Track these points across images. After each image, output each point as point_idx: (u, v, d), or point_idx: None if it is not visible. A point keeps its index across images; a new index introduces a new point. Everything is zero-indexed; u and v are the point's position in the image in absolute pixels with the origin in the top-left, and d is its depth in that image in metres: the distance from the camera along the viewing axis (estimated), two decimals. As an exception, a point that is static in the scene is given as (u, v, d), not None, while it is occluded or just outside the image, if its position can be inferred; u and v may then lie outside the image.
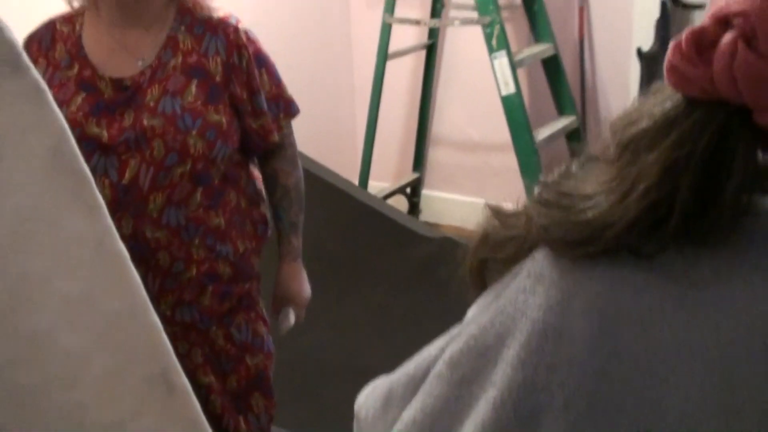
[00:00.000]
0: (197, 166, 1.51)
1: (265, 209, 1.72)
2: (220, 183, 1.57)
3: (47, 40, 1.60)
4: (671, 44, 0.39)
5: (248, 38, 1.59)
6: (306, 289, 1.73)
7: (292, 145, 1.68)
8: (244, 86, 1.56)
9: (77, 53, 1.56)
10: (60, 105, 1.50)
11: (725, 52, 0.37)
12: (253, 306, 1.68)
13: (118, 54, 1.55)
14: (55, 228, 0.71)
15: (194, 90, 1.52)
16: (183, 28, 1.56)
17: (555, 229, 0.44)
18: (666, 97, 0.41)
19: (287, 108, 1.64)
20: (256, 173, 1.69)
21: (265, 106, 1.58)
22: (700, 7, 2.93)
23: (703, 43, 0.38)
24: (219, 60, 1.54)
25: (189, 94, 1.51)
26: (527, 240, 0.47)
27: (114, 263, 0.80)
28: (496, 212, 0.50)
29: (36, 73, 0.69)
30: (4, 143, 0.67)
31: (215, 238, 1.57)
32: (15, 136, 0.67)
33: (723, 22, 0.38)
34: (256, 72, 1.58)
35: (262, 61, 1.60)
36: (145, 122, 1.49)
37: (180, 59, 1.54)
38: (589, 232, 0.42)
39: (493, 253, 0.50)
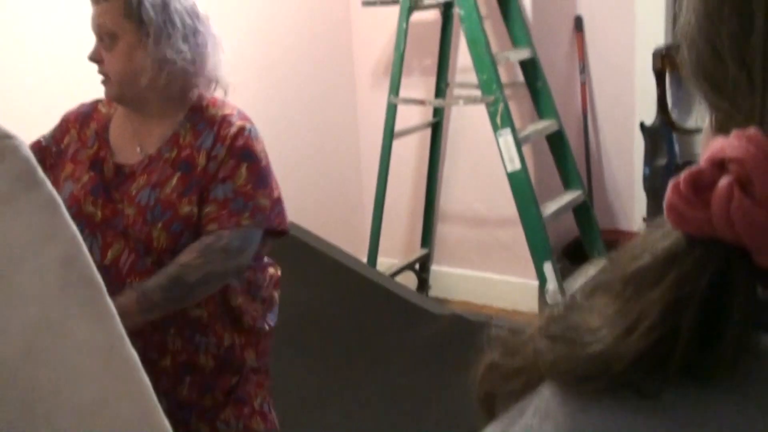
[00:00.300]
0: (164, 258, 1.51)
1: (268, 303, 1.67)
2: None
3: (86, 116, 1.67)
4: (670, 183, 0.41)
5: (241, 133, 1.57)
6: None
7: (221, 239, 1.51)
8: (212, 176, 1.54)
9: (102, 134, 1.63)
10: (72, 181, 1.56)
11: (722, 196, 0.38)
12: (246, 401, 1.63)
13: (130, 141, 1.60)
14: (66, 338, 0.71)
15: (174, 182, 1.54)
16: (189, 124, 1.60)
17: (561, 364, 0.44)
18: (667, 233, 0.42)
19: (254, 213, 1.54)
20: (260, 268, 1.66)
21: (221, 195, 1.53)
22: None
23: (701, 185, 0.40)
24: (204, 152, 1.56)
25: (168, 187, 1.53)
26: (534, 373, 0.47)
27: (125, 369, 0.80)
28: (503, 341, 0.50)
29: (50, 186, 0.72)
30: (19, 256, 0.69)
31: (195, 329, 1.55)
32: (29, 249, 0.70)
33: (719, 165, 0.39)
34: (231, 163, 1.55)
35: (247, 157, 1.56)
36: (125, 210, 1.52)
37: (174, 153, 1.57)
38: (594, 367, 0.42)
39: (500, 385, 0.50)
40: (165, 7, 1.55)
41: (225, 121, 1.59)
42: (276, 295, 1.71)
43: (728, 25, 0.41)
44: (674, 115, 2.64)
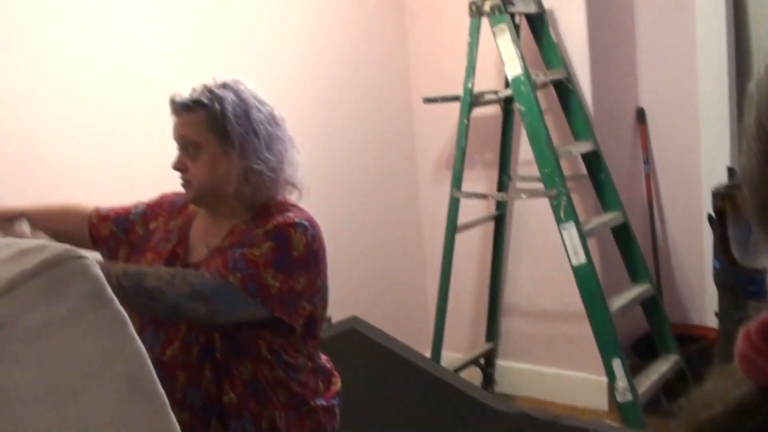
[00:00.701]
0: (201, 338, 1.55)
1: (312, 378, 1.66)
2: (224, 356, 1.56)
3: (177, 209, 1.74)
4: (741, 332, 0.39)
5: (286, 221, 1.59)
6: None
7: (200, 277, 1.51)
8: (235, 242, 1.59)
9: (184, 231, 1.70)
10: None
11: None
12: None
13: (201, 240, 1.66)
14: None
15: (219, 261, 1.58)
16: (248, 220, 1.64)
17: None
18: (738, 382, 0.40)
19: (247, 280, 1.52)
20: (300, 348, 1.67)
21: (227, 252, 1.55)
22: None
23: None
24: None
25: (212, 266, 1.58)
26: None
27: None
28: None
29: (117, 304, 0.75)
30: (88, 372, 0.71)
31: (230, 414, 1.55)
32: (98, 365, 0.72)
33: None
34: (259, 237, 1.56)
35: (278, 239, 1.56)
36: None
37: (227, 243, 1.62)
38: None
39: None
40: (247, 118, 1.60)
41: (285, 217, 1.62)
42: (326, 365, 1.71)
43: None
44: (737, 253, 2.59)
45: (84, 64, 2.41)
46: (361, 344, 2.87)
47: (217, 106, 1.60)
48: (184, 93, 1.64)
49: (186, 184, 1.64)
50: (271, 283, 1.53)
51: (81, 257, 0.75)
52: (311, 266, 1.60)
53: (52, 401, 0.68)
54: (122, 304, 0.76)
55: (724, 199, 2.69)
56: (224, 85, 1.64)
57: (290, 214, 1.63)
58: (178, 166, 1.63)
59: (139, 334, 0.77)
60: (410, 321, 3.63)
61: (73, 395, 0.69)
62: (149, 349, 1.51)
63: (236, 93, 1.63)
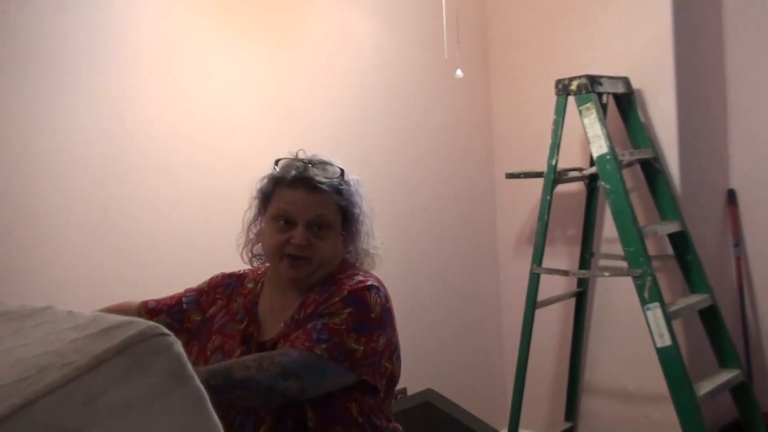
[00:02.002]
0: (292, 411, 1.56)
1: None
2: (317, 425, 1.57)
3: (232, 289, 1.78)
4: None
5: (360, 285, 1.62)
6: None
7: (288, 355, 1.52)
8: (312, 314, 1.61)
9: (251, 309, 1.72)
10: (224, 354, 1.64)
11: None
12: None
13: (274, 316, 1.69)
14: None
15: (301, 336, 1.59)
16: (318, 288, 1.67)
17: None
18: None
19: (333, 349, 1.54)
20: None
21: (310, 326, 1.56)
22: None
23: None
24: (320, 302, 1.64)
25: (297, 340, 1.59)
26: None
27: None
28: None
29: (197, 382, 0.78)
30: None
31: None
32: None
33: None
34: (338, 305, 1.59)
35: (356, 303, 1.59)
36: None
37: (302, 314, 1.64)
38: None
39: None
40: (361, 206, 1.71)
41: (352, 278, 1.66)
42: None
43: None
44: None
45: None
46: (435, 417, 2.84)
47: (345, 190, 1.69)
48: (293, 166, 1.69)
49: (303, 261, 1.64)
50: (355, 347, 1.56)
51: (165, 334, 0.79)
52: (387, 325, 1.64)
53: None
54: (215, 404, 0.78)
55: None
56: (330, 163, 1.72)
57: (359, 278, 1.67)
58: (304, 243, 1.63)
59: (227, 416, 0.80)
60: (487, 396, 3.58)
61: None
62: (240, 429, 1.55)
63: (351, 177, 1.73)
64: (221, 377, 1.46)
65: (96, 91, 2.33)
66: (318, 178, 1.65)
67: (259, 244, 1.77)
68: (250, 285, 1.78)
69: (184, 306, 1.80)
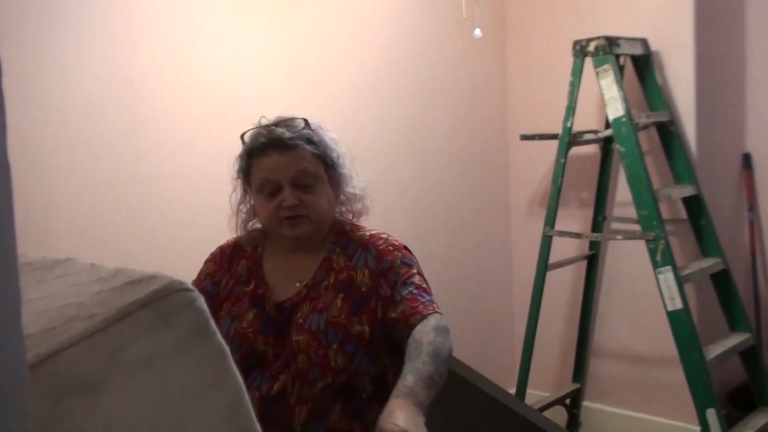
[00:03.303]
0: (338, 379, 1.56)
1: None
2: (366, 399, 1.60)
3: (232, 255, 1.77)
4: None
5: (400, 246, 1.70)
6: (409, 424, 1.34)
7: (440, 320, 1.58)
8: (391, 284, 1.63)
9: (256, 272, 1.72)
10: (233, 318, 1.65)
11: None
12: None
13: (285, 277, 1.69)
14: None
15: (340, 304, 1.61)
16: (338, 249, 1.69)
17: None
18: None
19: (436, 305, 1.64)
20: None
21: (408, 294, 1.61)
22: None
23: None
24: (367, 272, 1.65)
25: (334, 308, 1.61)
26: None
27: None
28: None
29: (220, 337, 0.78)
30: (191, 402, 0.74)
31: None
32: (200, 396, 0.75)
33: None
34: (404, 268, 1.65)
35: (414, 264, 1.68)
36: (293, 338, 1.58)
37: (333, 278, 1.65)
38: None
39: None
40: (337, 149, 1.69)
41: (377, 238, 1.71)
42: None
43: None
44: None
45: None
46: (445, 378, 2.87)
47: (316, 139, 1.68)
48: (260, 129, 1.69)
49: (302, 219, 1.64)
50: (433, 299, 1.66)
51: (189, 289, 0.79)
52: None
53: (158, 430, 0.72)
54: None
55: None
56: (292, 118, 1.71)
57: (374, 233, 1.73)
58: (296, 202, 1.63)
59: (244, 377, 0.80)
60: (497, 357, 3.61)
61: (174, 426, 0.73)
62: (258, 389, 1.55)
63: (316, 124, 1.72)
64: (439, 360, 1.46)
65: (101, 45, 2.31)
66: (286, 135, 1.65)
67: (253, 221, 1.77)
68: (248, 248, 1.77)
69: (207, 289, 1.74)
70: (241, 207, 1.76)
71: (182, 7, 2.48)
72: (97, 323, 0.73)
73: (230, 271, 1.75)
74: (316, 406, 1.56)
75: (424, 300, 1.61)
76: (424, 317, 1.56)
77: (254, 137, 1.69)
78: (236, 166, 1.73)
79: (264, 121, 1.72)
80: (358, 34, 3.00)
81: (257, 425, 0.78)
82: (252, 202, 1.73)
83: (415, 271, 1.66)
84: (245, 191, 1.74)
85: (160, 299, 0.76)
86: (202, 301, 0.79)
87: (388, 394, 1.58)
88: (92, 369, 0.72)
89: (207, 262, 1.80)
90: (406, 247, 1.71)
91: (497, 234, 3.65)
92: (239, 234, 1.78)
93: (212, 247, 1.83)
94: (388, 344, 1.63)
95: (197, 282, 1.77)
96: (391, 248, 1.67)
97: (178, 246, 2.46)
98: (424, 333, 1.52)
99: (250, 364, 1.58)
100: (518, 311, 3.62)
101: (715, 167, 3.21)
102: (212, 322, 0.79)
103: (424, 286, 1.65)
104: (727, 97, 3.26)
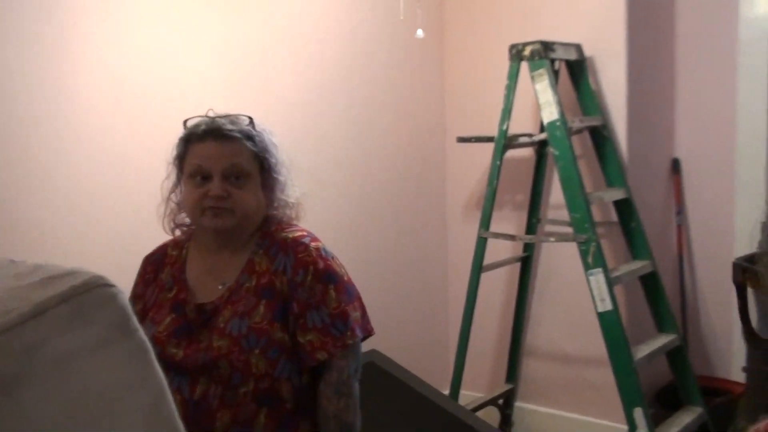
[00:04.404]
0: (260, 385, 1.54)
1: None
2: (292, 410, 1.58)
3: (159, 262, 1.73)
4: None
5: (319, 255, 1.64)
6: None
7: (342, 371, 1.60)
8: (302, 303, 1.59)
9: (179, 276, 1.69)
10: (153, 324, 1.61)
11: None
12: None
13: (207, 278, 1.66)
14: None
15: (262, 310, 1.58)
16: (261, 251, 1.66)
17: None
18: None
19: (353, 330, 1.61)
20: None
21: (319, 322, 1.58)
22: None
23: None
24: (285, 279, 1.61)
25: (257, 315, 1.58)
26: None
27: None
28: None
29: (142, 334, 0.76)
30: (110, 400, 0.71)
31: None
32: (120, 394, 0.72)
33: None
34: (319, 287, 1.60)
35: (330, 277, 1.63)
36: (213, 343, 1.56)
37: (254, 281, 1.62)
38: None
39: None
40: (276, 152, 1.67)
41: (298, 243, 1.65)
42: None
43: None
44: (758, 326, 2.55)
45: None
46: (379, 378, 2.86)
47: (258, 139, 1.66)
48: (204, 120, 1.67)
49: (225, 212, 1.62)
50: (356, 315, 1.64)
51: (110, 285, 0.77)
52: (350, 278, 1.70)
53: (75, 430, 0.69)
54: None
55: (745, 272, 2.64)
56: (239, 115, 1.69)
57: (296, 235, 1.69)
58: (223, 194, 1.61)
59: (166, 377, 0.78)
60: (431, 358, 3.63)
61: (92, 425, 0.70)
62: (178, 391, 1.53)
63: (261, 126, 1.71)
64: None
65: (37, 42, 2.24)
66: (227, 127, 1.63)
67: (182, 214, 1.73)
68: (174, 253, 1.74)
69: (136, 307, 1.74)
70: (171, 196, 1.72)
71: (118, 3, 2.42)
72: (13, 319, 0.70)
73: (155, 280, 1.72)
74: (239, 412, 1.54)
75: (334, 333, 1.58)
76: (329, 357, 1.58)
77: (196, 124, 1.67)
78: (173, 152, 1.70)
79: (211, 114, 1.70)
80: (296, 34, 2.98)
81: (179, 423, 0.76)
82: (181, 191, 1.70)
83: (332, 289, 1.61)
84: (178, 180, 1.71)
85: (79, 294, 0.73)
86: (124, 297, 0.77)
87: (314, 406, 1.58)
88: (6, 366, 0.69)
89: (138, 276, 1.78)
90: (326, 257, 1.65)
91: (434, 235, 3.66)
92: (165, 223, 1.74)
93: (145, 245, 1.80)
94: None
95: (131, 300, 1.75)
96: (308, 259, 1.62)
97: (108, 243, 2.40)
98: (329, 401, 1.58)
99: (162, 367, 1.55)
100: (453, 312, 3.65)
101: (646, 171, 3.29)
102: (134, 319, 0.77)
103: (341, 308, 1.60)
104: (658, 103, 3.35)
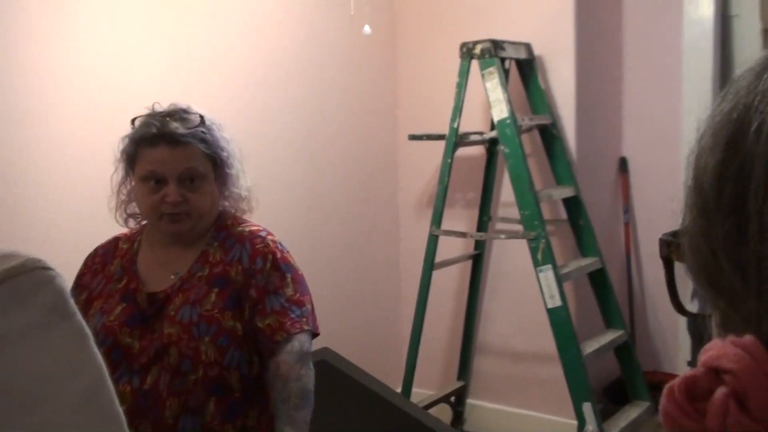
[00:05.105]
0: (209, 373, 1.54)
1: None
2: (240, 399, 1.58)
3: (109, 254, 1.72)
4: (665, 389, 0.40)
5: (276, 247, 1.67)
6: None
7: (303, 343, 1.62)
8: (260, 288, 1.61)
9: (129, 268, 1.67)
10: (102, 314, 1.59)
11: (717, 409, 0.37)
12: None
13: (159, 269, 1.66)
14: None
15: (214, 298, 1.59)
16: (216, 243, 1.66)
17: None
18: None
19: (308, 318, 1.65)
20: None
21: (278, 306, 1.60)
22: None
23: (697, 392, 0.38)
24: (240, 268, 1.62)
25: (208, 302, 1.58)
26: None
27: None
28: None
29: (80, 318, 0.75)
30: (46, 386, 0.70)
31: None
32: (57, 379, 0.71)
33: (715, 372, 0.38)
34: (277, 275, 1.63)
35: (289, 268, 1.66)
36: (165, 330, 1.54)
37: (207, 270, 1.63)
38: None
39: None
40: (228, 148, 1.66)
41: (255, 236, 1.67)
42: None
43: (723, 227, 0.41)
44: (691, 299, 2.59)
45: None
46: (331, 376, 2.85)
47: (209, 137, 1.65)
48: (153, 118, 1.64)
49: (183, 216, 1.61)
50: (309, 308, 1.66)
51: (47, 268, 0.75)
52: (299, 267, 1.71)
53: (6, 414, 0.68)
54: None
55: (670, 246, 2.70)
56: (188, 111, 1.67)
57: (253, 229, 1.70)
58: (179, 199, 1.60)
59: (111, 374, 0.77)
60: (383, 355, 3.62)
61: (28, 408, 0.69)
62: (128, 383, 1.51)
63: (211, 121, 1.69)
64: (307, 397, 1.57)
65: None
66: (179, 131, 1.61)
67: (133, 204, 1.72)
68: (125, 246, 1.73)
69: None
70: (121, 188, 1.70)
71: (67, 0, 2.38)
72: (-52, 302, 0.68)
73: (103, 271, 1.70)
74: (188, 399, 1.53)
75: (292, 316, 1.60)
76: (289, 336, 1.59)
77: (146, 125, 1.63)
78: (121, 147, 1.67)
79: (158, 107, 1.66)
80: (245, 30, 2.95)
81: (118, 408, 0.75)
82: (132, 184, 1.68)
83: (289, 278, 1.63)
84: (126, 174, 1.69)
85: (15, 277, 0.72)
86: (62, 280, 0.75)
87: (262, 396, 1.58)
88: None
89: (84, 266, 1.76)
90: (282, 249, 1.68)
91: (385, 233, 3.66)
92: (118, 215, 1.73)
93: (95, 238, 1.77)
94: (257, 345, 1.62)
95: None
96: (266, 249, 1.64)
97: (61, 238, 2.35)
98: (290, 367, 1.57)
99: (116, 357, 1.53)
100: (405, 310, 3.65)
101: (594, 170, 3.34)
102: (72, 302, 0.75)
103: (297, 297, 1.63)
104: (606, 102, 3.40)
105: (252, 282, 1.60)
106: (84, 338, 0.75)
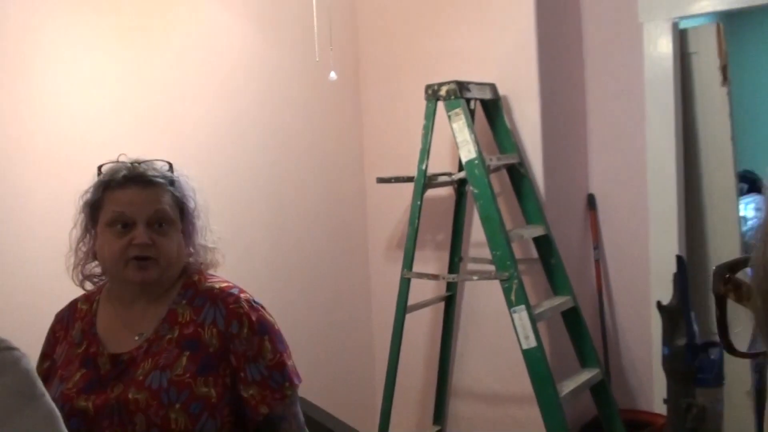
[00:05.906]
0: None
1: None
2: None
3: (69, 319, 1.66)
4: None
5: (250, 306, 1.59)
6: None
7: (297, 416, 1.60)
8: (240, 355, 1.54)
9: (89, 330, 1.61)
10: (61, 381, 1.52)
11: None
12: None
13: (121, 329, 1.59)
14: None
15: (185, 362, 1.51)
16: (184, 301, 1.60)
17: None
18: None
19: (291, 379, 1.59)
20: None
21: (258, 376, 1.54)
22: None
23: None
24: (215, 331, 1.55)
25: (179, 367, 1.50)
26: None
27: None
28: None
29: (49, 400, 0.71)
30: None
31: None
32: None
33: None
34: (255, 339, 1.56)
35: (264, 329, 1.59)
36: (129, 396, 1.48)
37: (177, 332, 1.55)
38: None
39: None
40: (194, 192, 1.63)
41: (227, 294, 1.60)
42: None
43: None
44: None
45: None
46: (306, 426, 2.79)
47: (178, 183, 1.63)
48: (120, 168, 1.61)
49: (150, 262, 1.55)
50: (291, 363, 1.62)
51: (11, 348, 0.71)
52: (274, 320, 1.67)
53: None
54: None
55: (726, 283, 2.68)
56: (157, 162, 1.65)
57: (223, 286, 1.64)
58: (148, 242, 1.54)
59: None
60: (357, 401, 3.56)
61: None
62: None
63: (179, 170, 1.68)
64: None
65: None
66: (150, 172, 1.59)
67: (91, 264, 1.65)
68: (84, 307, 1.66)
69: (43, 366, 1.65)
70: (79, 245, 1.63)
71: (27, 45, 2.33)
72: None
73: (66, 337, 1.63)
74: None
75: (272, 385, 1.55)
76: (270, 411, 1.55)
77: (114, 170, 1.60)
78: (84, 199, 1.62)
79: (123, 158, 1.63)
80: (210, 77, 2.93)
81: None
82: (92, 242, 1.61)
83: (267, 341, 1.57)
84: (86, 229, 1.62)
85: None
86: (27, 361, 0.71)
87: None
88: None
89: (48, 335, 1.69)
90: (257, 306, 1.61)
91: (356, 277, 3.62)
92: (74, 275, 1.65)
93: (54, 301, 1.71)
94: (236, 412, 1.55)
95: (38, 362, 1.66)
96: (241, 311, 1.57)
97: (13, 298, 2.27)
98: None
99: (75, 425, 1.45)
100: (379, 354, 3.60)
101: (563, 207, 3.35)
102: (39, 383, 0.71)
103: (277, 359, 1.57)
104: (572, 140, 3.42)
105: (230, 347, 1.54)
106: (53, 420, 0.71)
